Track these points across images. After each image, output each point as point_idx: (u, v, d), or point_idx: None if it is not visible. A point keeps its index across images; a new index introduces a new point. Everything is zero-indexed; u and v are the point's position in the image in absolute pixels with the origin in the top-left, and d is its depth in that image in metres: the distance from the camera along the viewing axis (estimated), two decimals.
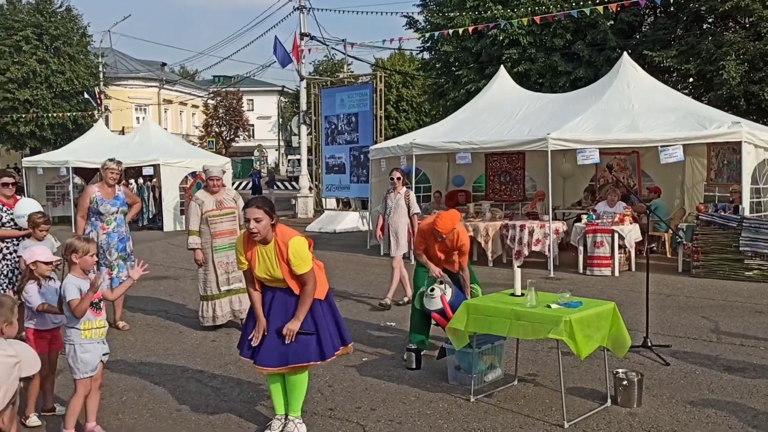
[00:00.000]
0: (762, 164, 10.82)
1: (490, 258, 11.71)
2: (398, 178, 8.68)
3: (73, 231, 7.47)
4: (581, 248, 10.86)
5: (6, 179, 6.75)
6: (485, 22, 18.80)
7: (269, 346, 4.27)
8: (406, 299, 8.42)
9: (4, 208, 6.62)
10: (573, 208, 13.91)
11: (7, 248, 6.61)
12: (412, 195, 8.78)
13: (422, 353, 6.04)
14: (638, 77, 12.22)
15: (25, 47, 36.11)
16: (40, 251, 4.88)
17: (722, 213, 10.32)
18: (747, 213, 10.13)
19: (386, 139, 18.45)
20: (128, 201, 7.61)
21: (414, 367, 5.92)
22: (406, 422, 4.76)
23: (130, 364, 6.20)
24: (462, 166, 13.85)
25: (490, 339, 5.45)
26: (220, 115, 52.37)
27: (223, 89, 52.32)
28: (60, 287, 4.41)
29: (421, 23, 23.04)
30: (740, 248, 9.80)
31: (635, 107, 11.28)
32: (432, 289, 5.98)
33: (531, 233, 11.27)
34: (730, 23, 18.64)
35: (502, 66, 14.96)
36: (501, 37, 19.23)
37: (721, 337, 6.87)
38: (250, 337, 4.38)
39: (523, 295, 5.09)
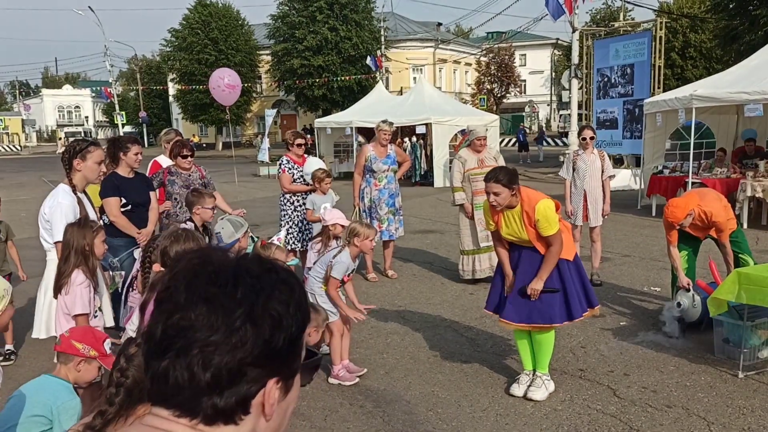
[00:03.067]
0: None
1: None
2: (591, 138, 7.63)
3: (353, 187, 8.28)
4: None
5: (299, 140, 7.69)
6: None
7: (514, 302, 4.42)
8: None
9: (296, 166, 7.57)
10: None
11: (298, 201, 7.57)
12: (607, 155, 7.79)
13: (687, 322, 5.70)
14: None
15: (318, 17, 39.90)
16: (341, 218, 5.56)
17: None
18: None
19: (668, 90, 17.07)
20: (398, 159, 8.19)
21: (676, 335, 5.62)
22: (661, 391, 4.59)
23: (396, 310, 6.79)
24: (754, 119, 12.36)
25: (767, 312, 4.96)
26: (492, 72, 52.63)
27: (496, 45, 52.41)
28: (330, 255, 4.97)
29: None
30: None
31: None
32: (679, 304, 5.62)
33: None
34: None
35: None
36: None
37: None
38: (501, 294, 4.56)
39: None
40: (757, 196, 10.80)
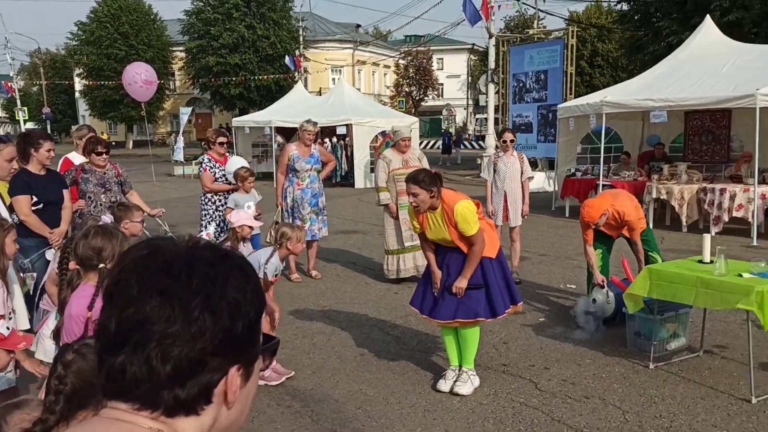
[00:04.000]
0: None
1: (684, 223, 11.01)
2: (511, 140, 7.83)
3: (275, 186, 8.20)
4: None
5: (222, 138, 7.55)
6: None
7: (441, 300, 4.51)
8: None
9: (218, 165, 7.42)
10: None
11: (220, 200, 7.42)
12: (526, 157, 8.02)
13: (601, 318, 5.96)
14: None
15: (235, 14, 39.21)
16: (249, 219, 5.43)
17: None
18: None
19: (578, 96, 17.78)
20: (323, 159, 8.17)
21: (591, 330, 5.85)
22: (579, 383, 4.77)
23: (321, 310, 6.77)
24: (658, 125, 13.04)
25: (674, 306, 5.24)
26: (411, 75, 53.26)
27: (414, 48, 53.08)
28: (258, 257, 4.88)
29: None
30: None
31: None
32: (594, 300, 5.88)
33: (732, 198, 10.41)
34: None
35: (708, 15, 13.70)
36: None
37: None
38: (426, 292, 4.65)
39: (712, 262, 4.83)
40: (661, 197, 11.39)
